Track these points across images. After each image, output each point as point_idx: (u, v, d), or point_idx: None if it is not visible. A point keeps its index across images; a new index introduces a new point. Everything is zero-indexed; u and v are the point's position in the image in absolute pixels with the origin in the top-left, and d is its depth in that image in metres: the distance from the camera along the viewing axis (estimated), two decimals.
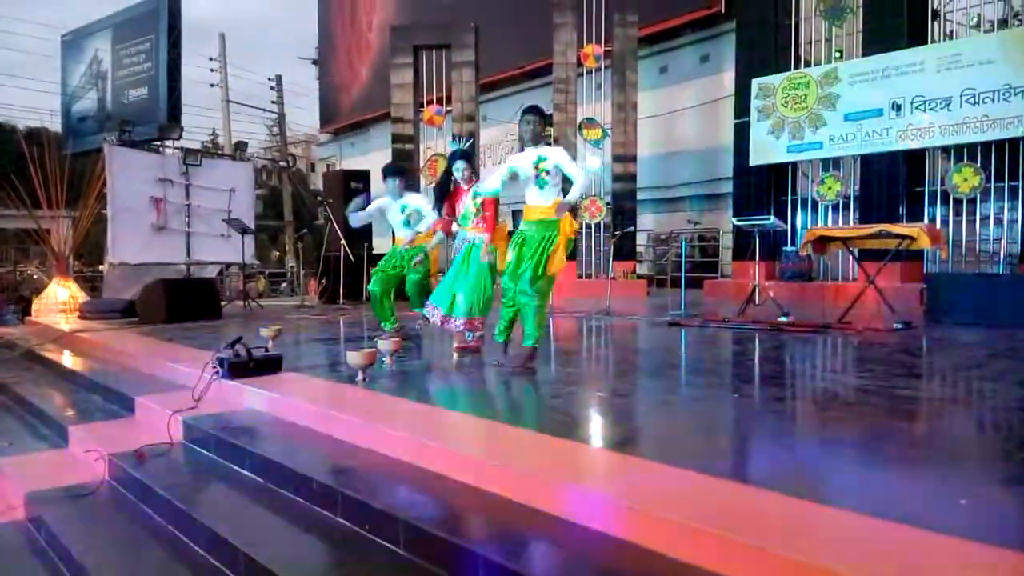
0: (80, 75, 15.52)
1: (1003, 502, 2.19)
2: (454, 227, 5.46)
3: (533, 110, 4.61)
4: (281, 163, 26.33)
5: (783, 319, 6.84)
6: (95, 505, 3.42)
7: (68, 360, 6.60)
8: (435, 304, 5.20)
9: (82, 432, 4.19)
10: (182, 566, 2.72)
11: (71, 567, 2.90)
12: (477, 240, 5.12)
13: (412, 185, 5.82)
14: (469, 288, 5.07)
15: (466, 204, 5.22)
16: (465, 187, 5.26)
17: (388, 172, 6.38)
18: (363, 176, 12.17)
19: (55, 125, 16.22)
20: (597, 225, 12.91)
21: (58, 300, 10.73)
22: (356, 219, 6.31)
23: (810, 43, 11.27)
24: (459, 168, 5.24)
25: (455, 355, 5.16)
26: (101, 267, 12.83)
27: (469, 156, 5.47)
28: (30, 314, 10.42)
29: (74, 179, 11.97)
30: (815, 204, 11.05)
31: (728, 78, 13.74)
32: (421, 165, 13.72)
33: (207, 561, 2.68)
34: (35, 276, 14.92)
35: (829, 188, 10.77)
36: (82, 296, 10.92)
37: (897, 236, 6.95)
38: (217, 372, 4.27)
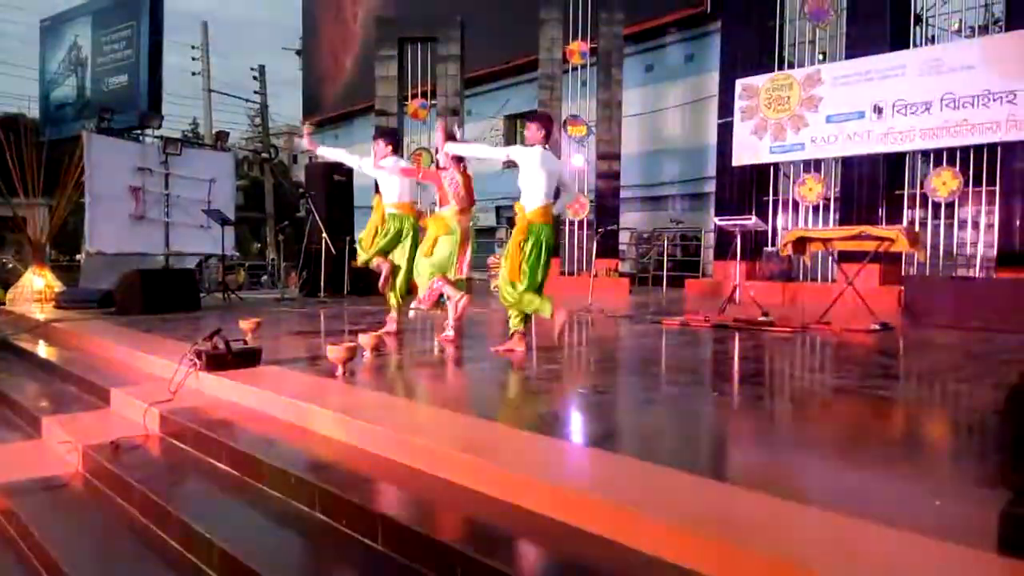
0: (59, 61, 15.29)
1: (977, 503, 2.21)
2: None
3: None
4: (263, 154, 26.13)
5: (763, 319, 6.89)
6: (69, 497, 3.38)
7: (43, 350, 6.49)
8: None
9: (56, 423, 4.13)
10: (156, 559, 2.70)
11: (44, 560, 2.86)
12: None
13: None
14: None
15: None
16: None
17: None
18: (346, 169, 12.08)
19: (33, 112, 15.99)
20: (580, 222, 12.93)
21: (34, 289, 10.55)
22: None
23: (794, 45, 11.35)
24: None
25: (437, 345, 5.16)
26: (78, 256, 12.65)
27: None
28: (4, 303, 10.25)
29: (52, 167, 11.79)
30: (796, 205, 11.14)
31: (713, 78, 13.80)
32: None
33: (182, 554, 2.65)
34: (10, 265, 14.67)
35: (810, 189, 10.86)
36: (58, 285, 10.76)
37: (876, 238, 7.02)
38: (195, 364, 4.22)
